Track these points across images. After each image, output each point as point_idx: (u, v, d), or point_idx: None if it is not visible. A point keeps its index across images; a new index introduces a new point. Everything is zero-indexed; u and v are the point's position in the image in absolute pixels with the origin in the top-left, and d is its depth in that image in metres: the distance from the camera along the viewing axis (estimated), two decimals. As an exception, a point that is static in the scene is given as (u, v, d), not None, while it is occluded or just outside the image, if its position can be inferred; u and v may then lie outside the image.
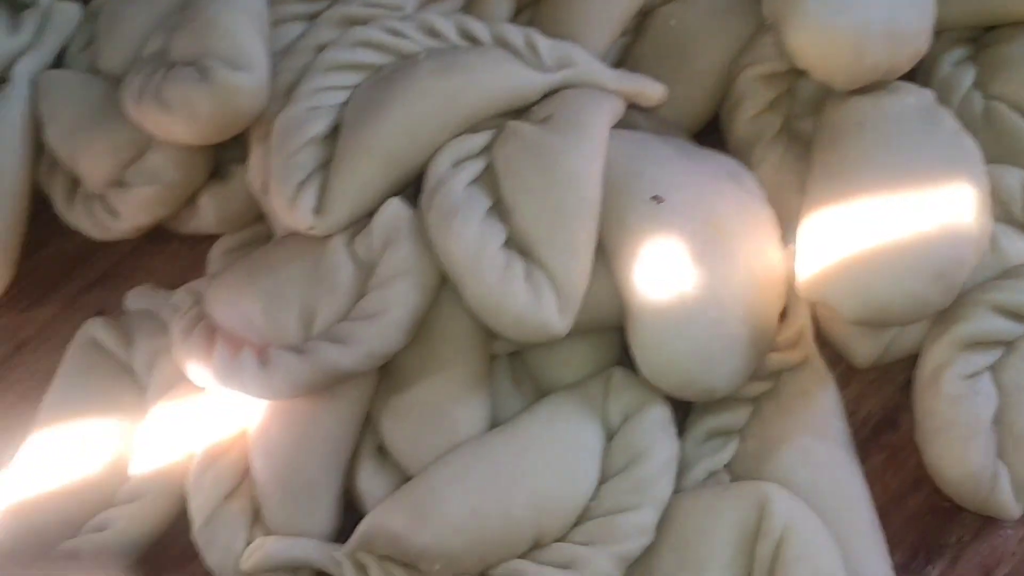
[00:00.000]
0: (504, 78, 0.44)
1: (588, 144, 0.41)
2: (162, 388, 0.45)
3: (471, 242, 0.40)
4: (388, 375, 0.42)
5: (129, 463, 0.44)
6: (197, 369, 0.42)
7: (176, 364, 0.43)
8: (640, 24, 0.52)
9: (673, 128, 0.49)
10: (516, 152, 0.41)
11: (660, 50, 0.51)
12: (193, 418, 0.44)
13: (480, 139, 0.43)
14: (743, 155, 0.47)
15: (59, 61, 0.55)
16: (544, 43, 0.46)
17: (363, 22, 0.45)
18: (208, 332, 0.43)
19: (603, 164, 0.41)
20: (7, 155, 0.50)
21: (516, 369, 0.44)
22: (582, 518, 0.40)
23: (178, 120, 0.44)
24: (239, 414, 0.43)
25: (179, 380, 0.44)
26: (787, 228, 0.45)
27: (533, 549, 0.40)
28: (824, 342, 0.45)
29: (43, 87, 0.52)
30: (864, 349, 0.44)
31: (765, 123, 0.48)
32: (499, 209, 0.41)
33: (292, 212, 0.42)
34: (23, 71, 0.52)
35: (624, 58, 0.52)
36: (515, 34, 0.46)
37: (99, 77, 0.52)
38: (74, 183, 0.51)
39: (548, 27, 0.51)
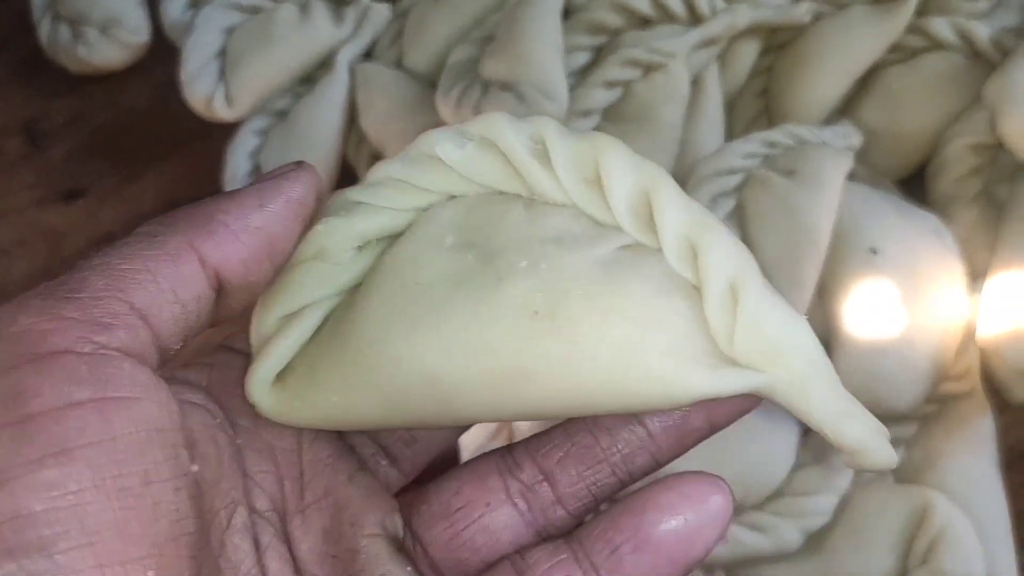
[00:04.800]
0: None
1: (825, 199, 0.50)
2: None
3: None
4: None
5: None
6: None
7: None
8: (865, 78, 0.60)
9: (883, 180, 0.58)
10: (765, 198, 0.51)
11: (880, 106, 0.59)
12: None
13: (734, 180, 0.52)
14: (943, 210, 0.56)
15: (368, 53, 0.65)
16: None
17: (645, 66, 0.55)
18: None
19: (834, 214, 0.51)
20: (328, 130, 0.62)
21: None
22: (775, 494, 0.51)
23: (492, 133, 0.54)
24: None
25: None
26: (973, 280, 0.53)
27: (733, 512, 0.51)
28: (987, 377, 0.54)
29: (360, 78, 0.63)
30: (1021, 391, 0.53)
31: (967, 185, 0.56)
32: (745, 242, 0.51)
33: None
34: (344, 59, 0.63)
35: (845, 107, 0.60)
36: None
37: (406, 74, 0.62)
38: (376, 158, 0.63)
39: (786, 74, 0.60)
